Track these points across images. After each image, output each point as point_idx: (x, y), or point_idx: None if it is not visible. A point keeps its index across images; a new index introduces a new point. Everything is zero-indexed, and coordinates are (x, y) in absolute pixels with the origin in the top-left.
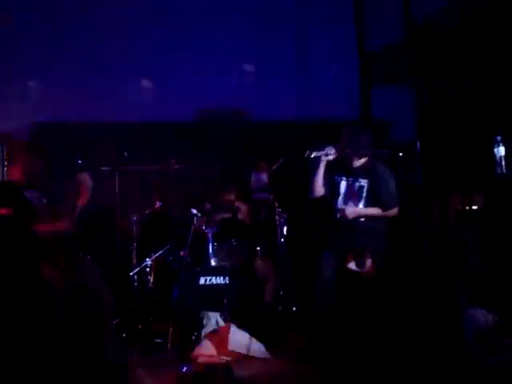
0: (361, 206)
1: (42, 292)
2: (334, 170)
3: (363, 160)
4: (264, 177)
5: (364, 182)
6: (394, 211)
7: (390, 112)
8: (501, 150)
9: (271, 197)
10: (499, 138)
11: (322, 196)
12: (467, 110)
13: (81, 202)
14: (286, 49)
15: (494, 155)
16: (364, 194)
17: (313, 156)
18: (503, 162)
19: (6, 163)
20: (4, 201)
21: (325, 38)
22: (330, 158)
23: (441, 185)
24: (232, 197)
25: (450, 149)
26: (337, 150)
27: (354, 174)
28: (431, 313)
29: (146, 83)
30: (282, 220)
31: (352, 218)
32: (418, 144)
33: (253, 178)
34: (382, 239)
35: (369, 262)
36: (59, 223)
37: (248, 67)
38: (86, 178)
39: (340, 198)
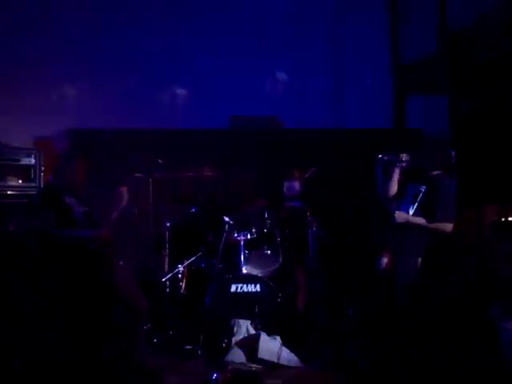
0: (411, 211)
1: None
2: (404, 177)
3: (434, 173)
4: (297, 185)
5: (422, 188)
6: (445, 227)
7: (424, 122)
8: None
9: (303, 205)
10: None
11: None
12: (504, 120)
13: (117, 214)
14: (320, 57)
15: None
16: (418, 199)
17: (386, 159)
18: None
19: (43, 169)
20: (46, 204)
21: (360, 47)
22: (404, 164)
23: (477, 195)
24: (263, 203)
25: (486, 159)
26: (411, 159)
27: (420, 182)
28: (466, 326)
29: (180, 91)
30: (314, 229)
31: (400, 222)
32: (453, 154)
33: (285, 186)
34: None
35: (384, 260)
36: (96, 231)
37: (282, 75)
38: (124, 193)
39: (400, 202)
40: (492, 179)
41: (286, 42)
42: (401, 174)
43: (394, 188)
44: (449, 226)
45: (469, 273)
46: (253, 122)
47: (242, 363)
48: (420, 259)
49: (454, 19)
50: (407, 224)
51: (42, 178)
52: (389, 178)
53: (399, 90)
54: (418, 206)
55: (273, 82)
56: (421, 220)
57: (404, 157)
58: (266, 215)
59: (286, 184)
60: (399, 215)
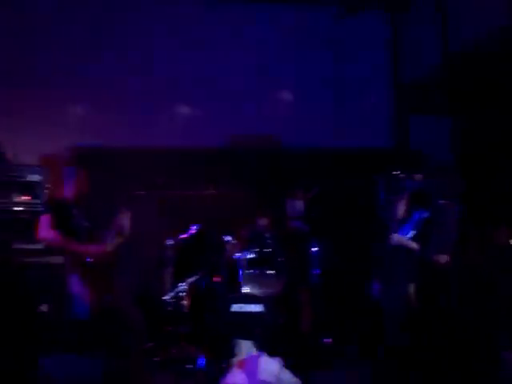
0: (409, 235)
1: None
2: (413, 199)
3: (442, 202)
4: (300, 205)
5: (425, 214)
6: (440, 258)
7: (426, 141)
8: None
9: (306, 225)
10: None
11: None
12: (508, 138)
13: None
14: (321, 76)
15: None
16: (418, 226)
17: (399, 177)
18: None
19: (47, 186)
20: (56, 213)
21: (361, 66)
22: (416, 185)
23: (485, 218)
24: (265, 222)
25: (490, 178)
26: (422, 182)
27: (426, 208)
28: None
29: (181, 109)
30: (317, 249)
31: (394, 245)
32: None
33: (288, 206)
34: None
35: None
36: (97, 246)
37: (283, 93)
38: (126, 221)
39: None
40: (500, 201)
41: (285, 60)
42: (410, 195)
43: (402, 209)
44: (443, 258)
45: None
46: (253, 140)
47: None
48: (411, 286)
49: (455, 39)
50: (400, 248)
51: (46, 194)
52: (399, 198)
53: (400, 109)
54: (416, 232)
55: (272, 100)
56: (414, 245)
57: (417, 177)
58: (268, 235)
59: (289, 203)
60: (395, 237)
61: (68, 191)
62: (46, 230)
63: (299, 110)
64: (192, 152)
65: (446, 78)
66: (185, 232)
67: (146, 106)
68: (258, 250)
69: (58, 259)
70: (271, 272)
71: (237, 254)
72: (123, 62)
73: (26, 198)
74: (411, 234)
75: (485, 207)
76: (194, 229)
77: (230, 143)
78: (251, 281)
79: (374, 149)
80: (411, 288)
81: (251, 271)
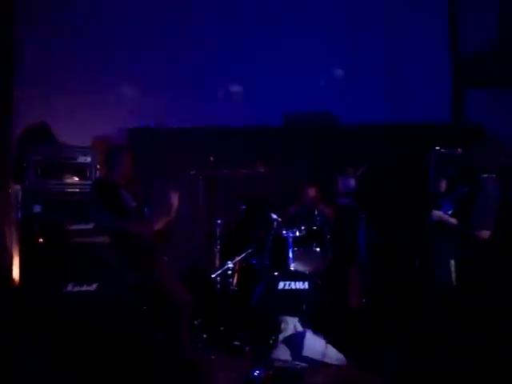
0: (450, 211)
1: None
2: (457, 174)
3: (485, 175)
4: (351, 182)
5: (465, 189)
6: (481, 234)
7: (484, 116)
8: None
9: (356, 203)
10: None
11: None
12: None
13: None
14: (375, 51)
15: None
16: (459, 201)
17: (442, 152)
18: None
19: (98, 167)
20: (103, 195)
21: (416, 39)
22: (459, 160)
23: None
24: (313, 193)
25: None
26: (467, 156)
27: (468, 183)
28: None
29: (233, 87)
30: (367, 225)
31: (434, 221)
32: None
33: (340, 183)
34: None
35: None
36: (145, 226)
37: (336, 70)
38: (174, 200)
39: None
40: None
41: (340, 35)
42: (454, 170)
43: (443, 185)
44: (484, 233)
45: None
46: (307, 118)
47: (287, 360)
48: (452, 262)
49: None
50: (441, 223)
51: (97, 175)
52: (442, 173)
53: (459, 83)
54: (457, 207)
55: (327, 77)
56: (453, 221)
57: (460, 152)
58: (316, 212)
59: (340, 181)
60: (435, 213)
61: (116, 173)
62: (97, 211)
63: (352, 85)
64: (244, 131)
65: (506, 49)
66: (233, 211)
67: (197, 85)
68: (305, 227)
69: (108, 240)
70: (319, 249)
71: (284, 232)
72: (176, 43)
73: (77, 179)
74: (452, 209)
75: None
76: (242, 207)
77: (284, 122)
78: (299, 258)
79: (428, 124)
80: (452, 265)
81: (298, 249)
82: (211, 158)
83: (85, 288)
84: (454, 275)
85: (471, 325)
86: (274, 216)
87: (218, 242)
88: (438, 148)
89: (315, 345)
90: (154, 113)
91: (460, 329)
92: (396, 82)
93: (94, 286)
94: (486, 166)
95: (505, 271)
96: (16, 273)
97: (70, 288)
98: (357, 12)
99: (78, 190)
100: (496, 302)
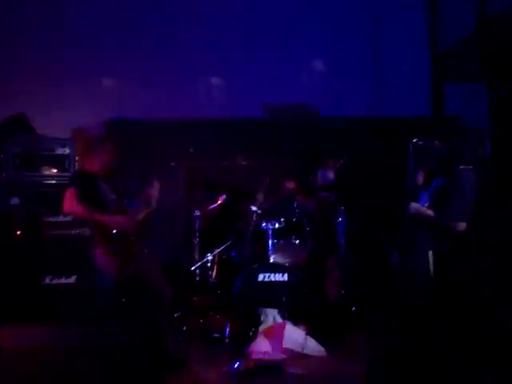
0: (427, 204)
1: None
2: (433, 166)
3: (461, 167)
4: (330, 174)
5: (442, 182)
6: (457, 226)
7: (464, 110)
8: None
9: (335, 194)
10: None
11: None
12: None
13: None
14: (356, 45)
15: None
16: (436, 193)
17: (420, 144)
18: None
19: (77, 159)
20: (82, 187)
21: (396, 35)
22: (436, 152)
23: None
24: (292, 185)
25: None
26: (444, 148)
27: (446, 175)
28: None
29: (214, 80)
30: (345, 218)
31: (412, 213)
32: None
33: (319, 176)
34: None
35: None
36: (123, 218)
37: (318, 63)
38: (154, 192)
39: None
40: None
41: (322, 28)
42: (431, 162)
43: (420, 177)
44: (461, 226)
45: (484, 272)
46: (287, 110)
47: (267, 352)
48: (430, 253)
49: (492, 3)
50: (419, 216)
51: (75, 167)
52: (419, 165)
53: (437, 76)
54: (434, 199)
55: (308, 69)
56: (431, 213)
57: (437, 144)
58: (295, 205)
59: (319, 173)
60: (413, 206)
61: (96, 164)
62: (71, 203)
63: (335, 78)
64: (224, 122)
65: (482, 44)
66: (212, 203)
67: (179, 77)
68: (284, 219)
69: (86, 232)
70: (298, 241)
71: (264, 224)
72: (158, 33)
73: (55, 171)
74: (429, 201)
75: None
76: (221, 199)
77: (265, 114)
78: (278, 250)
79: (408, 116)
80: (430, 256)
81: (278, 241)
82: (191, 150)
83: (64, 280)
84: (432, 266)
85: (449, 314)
86: (254, 208)
87: (197, 234)
88: (415, 140)
89: (295, 336)
90: (134, 104)
91: (438, 318)
92: (376, 76)
93: (72, 279)
94: (464, 157)
95: (480, 262)
96: None
97: (48, 280)
98: (339, 6)
99: (56, 182)
100: (473, 293)
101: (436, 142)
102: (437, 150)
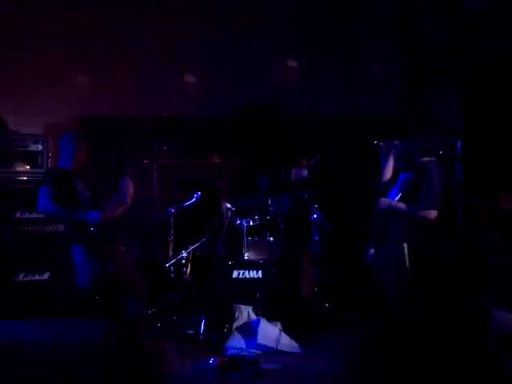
0: (397, 198)
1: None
2: (397, 163)
3: (425, 159)
4: (304, 172)
5: (409, 175)
6: (429, 214)
7: (437, 110)
8: None
9: (308, 192)
10: None
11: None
12: None
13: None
14: (328, 44)
15: None
16: (404, 187)
17: (381, 145)
18: None
19: (50, 155)
20: (56, 184)
21: (368, 35)
22: (396, 150)
23: (490, 183)
24: (266, 183)
25: (499, 144)
26: (404, 146)
27: (409, 169)
28: (455, 313)
29: (186, 77)
30: (319, 215)
31: (383, 208)
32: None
33: (293, 174)
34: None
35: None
36: (97, 214)
37: (292, 62)
38: (129, 188)
39: (390, 189)
40: (505, 166)
41: (295, 27)
42: (394, 160)
43: (388, 174)
44: (433, 214)
45: (453, 260)
46: (259, 109)
47: (241, 348)
48: (405, 245)
49: (467, 4)
50: (390, 210)
51: (49, 164)
52: (384, 163)
53: (409, 75)
54: (403, 193)
55: (279, 68)
56: (402, 206)
57: (397, 143)
58: (269, 202)
59: (293, 171)
60: (383, 201)
61: (71, 161)
62: (44, 200)
63: (308, 78)
64: (196, 121)
65: (454, 43)
66: (186, 199)
67: (153, 74)
68: (259, 217)
69: (60, 228)
70: (272, 238)
71: (239, 221)
72: (134, 30)
73: (28, 167)
74: (398, 195)
75: (491, 172)
76: (195, 196)
77: (236, 112)
78: (253, 247)
79: (379, 116)
80: (404, 249)
81: (252, 238)
82: (164, 147)
83: (37, 277)
84: (407, 258)
85: (425, 306)
86: (228, 205)
87: (172, 231)
88: (376, 142)
89: (269, 332)
90: (108, 101)
91: (414, 311)
92: (347, 75)
93: (46, 276)
94: (427, 150)
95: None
96: None
97: (21, 277)
98: (311, 4)
99: (29, 179)
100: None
101: (396, 141)
102: (399, 148)
